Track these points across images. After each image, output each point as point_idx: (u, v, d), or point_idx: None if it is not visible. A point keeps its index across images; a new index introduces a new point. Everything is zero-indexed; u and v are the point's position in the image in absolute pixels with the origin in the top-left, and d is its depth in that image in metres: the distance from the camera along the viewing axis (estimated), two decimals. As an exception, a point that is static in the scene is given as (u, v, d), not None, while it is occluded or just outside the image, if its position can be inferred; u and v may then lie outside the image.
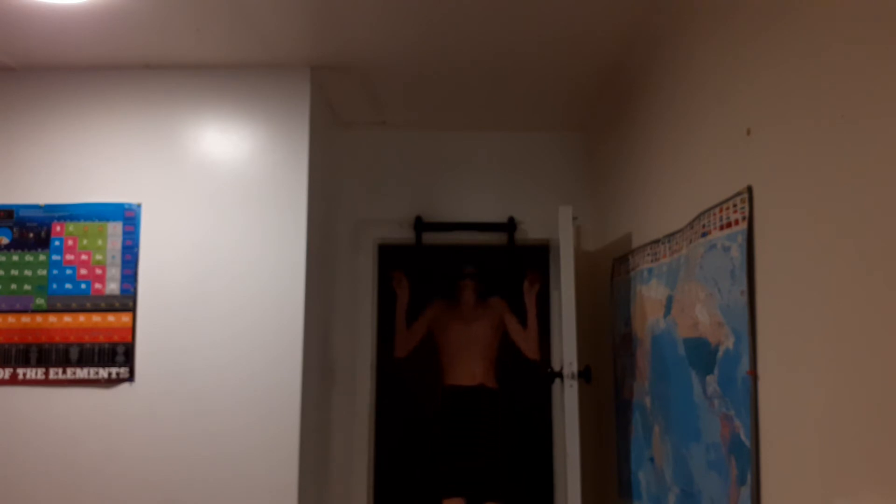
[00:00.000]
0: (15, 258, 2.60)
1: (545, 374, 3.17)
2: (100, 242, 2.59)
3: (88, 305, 2.56)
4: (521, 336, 3.33)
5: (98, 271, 2.58)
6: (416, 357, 3.40)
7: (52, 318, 2.56)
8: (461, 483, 3.17)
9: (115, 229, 2.59)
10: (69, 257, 2.59)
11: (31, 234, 2.60)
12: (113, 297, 2.56)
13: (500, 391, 3.31)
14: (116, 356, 2.53)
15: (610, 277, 2.88)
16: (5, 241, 2.61)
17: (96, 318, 2.55)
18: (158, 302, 2.55)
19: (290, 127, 2.64)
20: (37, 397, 2.53)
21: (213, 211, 2.60)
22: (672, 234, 2.10)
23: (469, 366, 3.30)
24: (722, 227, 1.68)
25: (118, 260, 2.57)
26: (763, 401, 1.48)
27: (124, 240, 2.59)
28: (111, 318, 2.55)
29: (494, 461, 3.21)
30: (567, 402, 2.52)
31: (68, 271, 2.58)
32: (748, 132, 1.57)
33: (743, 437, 1.54)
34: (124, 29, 2.37)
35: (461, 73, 2.75)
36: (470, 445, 3.21)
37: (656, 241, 2.26)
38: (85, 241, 2.59)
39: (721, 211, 1.70)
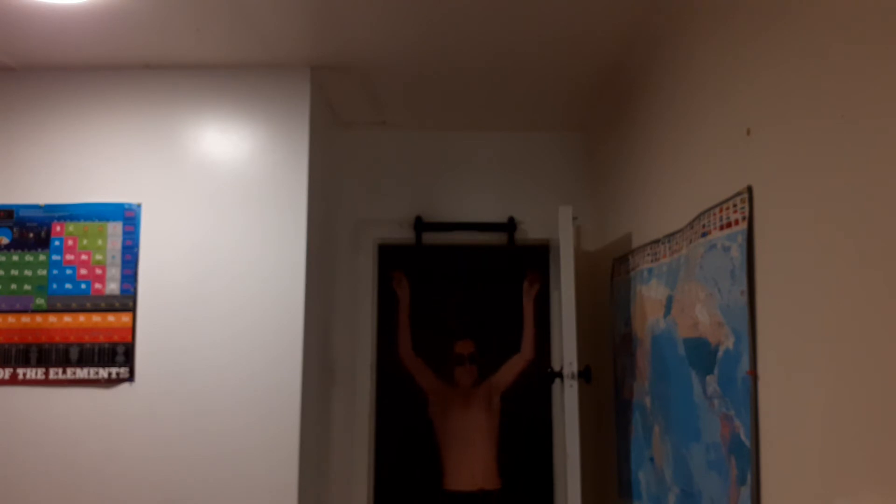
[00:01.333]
0: (15, 258, 2.60)
1: (545, 374, 3.17)
2: (100, 242, 2.59)
3: (88, 305, 2.56)
4: (521, 364, 3.26)
5: (98, 271, 2.58)
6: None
7: (52, 318, 2.56)
8: None
9: (115, 229, 2.59)
10: (69, 257, 2.59)
11: (31, 234, 2.60)
12: (113, 297, 2.56)
13: (502, 491, 3.23)
14: (116, 356, 2.53)
15: (610, 277, 2.88)
16: (5, 241, 2.61)
17: (96, 318, 2.55)
18: (158, 302, 2.55)
19: (290, 127, 2.64)
20: (37, 397, 2.53)
21: (213, 211, 2.60)
22: (672, 234, 2.10)
23: (470, 464, 3.22)
24: (722, 227, 1.68)
25: (118, 260, 2.57)
26: (763, 401, 1.48)
27: (124, 240, 2.59)
28: (111, 318, 2.55)
29: None
30: (567, 402, 2.52)
31: (68, 271, 2.58)
32: (748, 132, 1.57)
33: (743, 437, 1.54)
34: (124, 29, 2.37)
35: (461, 73, 2.75)
36: None
37: (656, 241, 2.26)
38: (85, 241, 2.59)
39: (721, 211, 1.70)
